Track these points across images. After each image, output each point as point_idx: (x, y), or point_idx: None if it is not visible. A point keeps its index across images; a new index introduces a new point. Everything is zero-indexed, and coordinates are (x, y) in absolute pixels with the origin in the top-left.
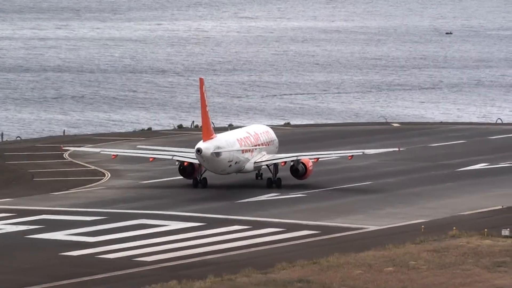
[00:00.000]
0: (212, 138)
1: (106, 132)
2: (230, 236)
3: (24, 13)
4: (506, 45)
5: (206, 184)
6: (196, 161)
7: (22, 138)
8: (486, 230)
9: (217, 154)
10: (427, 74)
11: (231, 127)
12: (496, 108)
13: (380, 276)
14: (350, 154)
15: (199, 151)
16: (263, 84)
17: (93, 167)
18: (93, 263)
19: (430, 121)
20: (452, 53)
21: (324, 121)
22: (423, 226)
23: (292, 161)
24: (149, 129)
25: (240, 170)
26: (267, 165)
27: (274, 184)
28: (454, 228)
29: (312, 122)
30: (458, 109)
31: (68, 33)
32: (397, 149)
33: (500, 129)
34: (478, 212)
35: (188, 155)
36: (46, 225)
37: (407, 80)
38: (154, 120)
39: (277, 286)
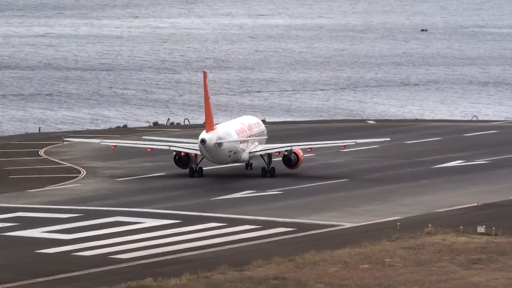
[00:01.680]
0: (213, 129)
1: (82, 129)
2: (205, 234)
3: (2, 11)
4: (482, 43)
5: (202, 173)
6: (192, 151)
7: None
8: (461, 227)
9: (219, 144)
10: (403, 71)
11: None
12: (471, 106)
13: (356, 273)
14: (343, 144)
15: (203, 141)
16: (239, 81)
17: (68, 165)
18: (69, 261)
19: (406, 118)
20: (429, 51)
21: (300, 118)
22: (398, 223)
23: (286, 151)
24: (125, 126)
25: (237, 160)
26: (261, 155)
27: (268, 173)
28: (429, 225)
29: (288, 119)
30: (434, 106)
31: (46, 30)
32: (389, 138)
33: (476, 126)
34: (454, 209)
35: (185, 146)
36: (21, 222)
37: (383, 78)
38: (130, 117)
39: (252, 283)
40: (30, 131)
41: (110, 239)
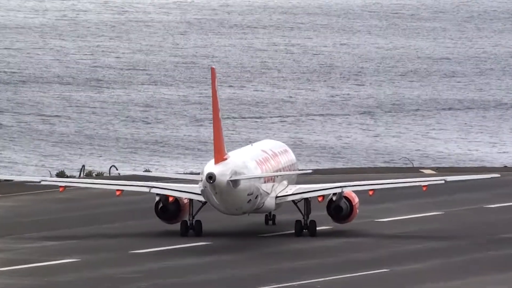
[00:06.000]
0: (224, 160)
1: None
2: None
3: None
4: None
5: (201, 231)
6: (184, 196)
7: None
8: None
9: (235, 182)
10: (483, 85)
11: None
12: None
13: None
14: (425, 184)
15: (211, 178)
16: (222, 101)
17: None
18: None
19: (486, 165)
20: None
21: (314, 166)
22: None
23: (333, 194)
24: (10, 180)
25: (258, 208)
26: (293, 200)
27: (306, 230)
28: None
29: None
30: None
31: None
32: (498, 175)
33: None
34: None
35: (174, 187)
36: None
37: (448, 96)
38: (16, 162)
39: None
40: None
41: None
